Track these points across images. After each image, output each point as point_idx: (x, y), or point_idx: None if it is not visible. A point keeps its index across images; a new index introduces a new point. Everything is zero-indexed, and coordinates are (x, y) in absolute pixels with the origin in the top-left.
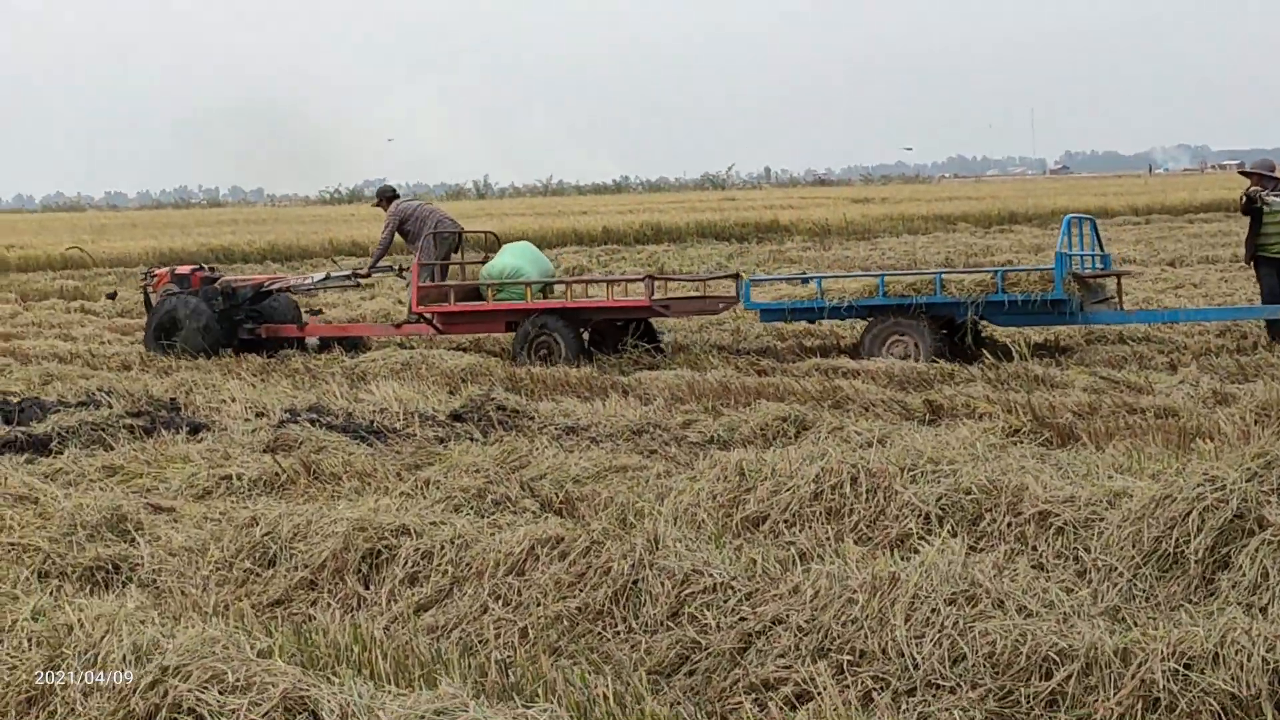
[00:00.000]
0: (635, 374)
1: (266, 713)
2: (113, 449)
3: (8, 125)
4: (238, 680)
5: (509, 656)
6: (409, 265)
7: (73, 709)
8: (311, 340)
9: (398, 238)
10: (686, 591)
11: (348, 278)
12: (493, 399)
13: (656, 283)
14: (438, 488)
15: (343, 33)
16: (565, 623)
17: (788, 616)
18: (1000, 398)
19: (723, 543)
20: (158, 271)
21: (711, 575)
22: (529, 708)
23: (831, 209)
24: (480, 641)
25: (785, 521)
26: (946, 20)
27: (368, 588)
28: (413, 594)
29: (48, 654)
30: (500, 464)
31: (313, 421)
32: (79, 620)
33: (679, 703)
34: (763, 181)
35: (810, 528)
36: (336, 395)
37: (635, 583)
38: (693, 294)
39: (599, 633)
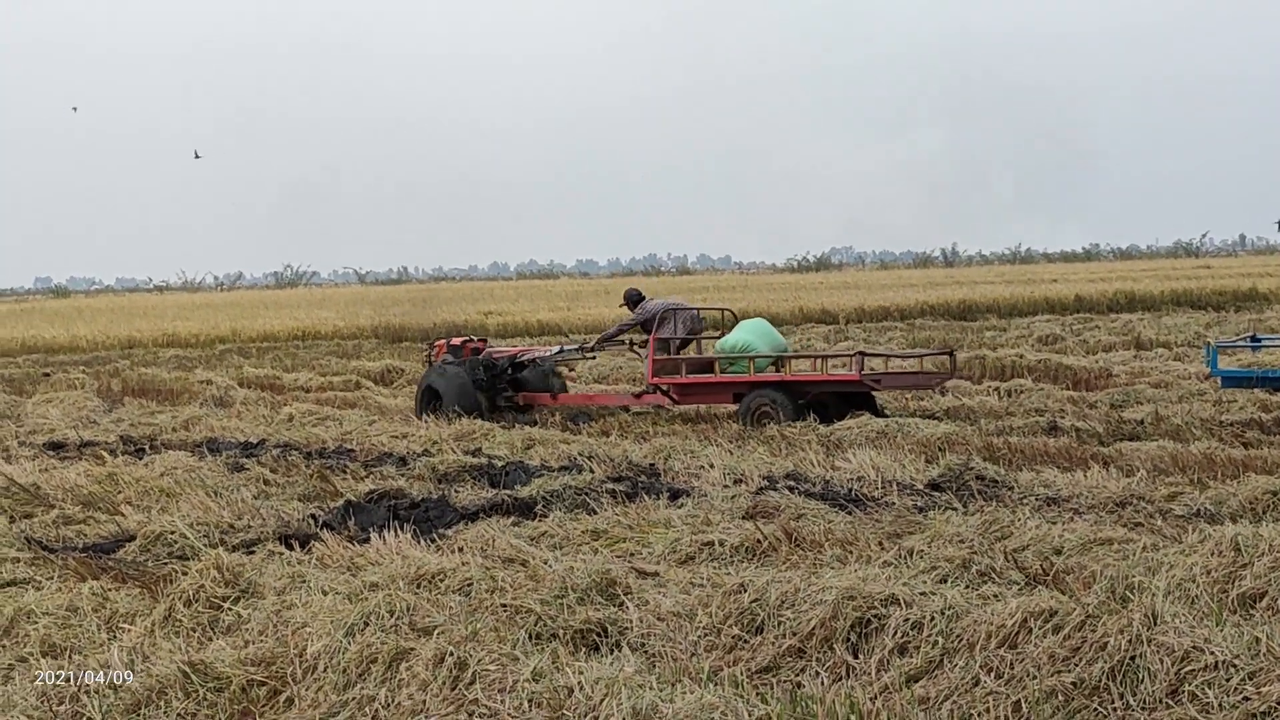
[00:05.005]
0: (1115, 445)
1: None
2: (596, 513)
3: (481, 202)
4: None
5: None
6: (640, 341)
7: None
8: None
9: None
10: (1186, 669)
11: (578, 350)
12: (971, 468)
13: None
14: (921, 557)
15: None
16: (1059, 697)
17: None
18: None
19: (1222, 619)
20: (438, 343)
21: (1212, 653)
22: None
23: None
24: (973, 714)
25: None
26: None
27: (856, 657)
28: (903, 664)
29: (548, 715)
30: (983, 534)
31: (791, 488)
32: (579, 683)
33: None
34: (1238, 248)
35: None
36: (813, 463)
37: (1133, 658)
38: (906, 370)
39: (1095, 709)
